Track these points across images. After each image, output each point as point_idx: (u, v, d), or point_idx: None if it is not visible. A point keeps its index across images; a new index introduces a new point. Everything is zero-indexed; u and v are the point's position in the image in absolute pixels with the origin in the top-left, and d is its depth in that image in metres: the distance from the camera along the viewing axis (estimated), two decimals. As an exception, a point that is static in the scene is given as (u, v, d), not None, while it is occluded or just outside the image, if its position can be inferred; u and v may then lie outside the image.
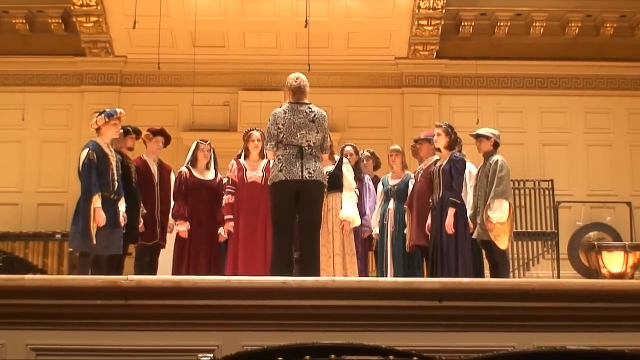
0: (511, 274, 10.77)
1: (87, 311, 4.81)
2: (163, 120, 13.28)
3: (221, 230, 9.52)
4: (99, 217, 8.25)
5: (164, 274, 9.37)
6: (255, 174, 9.41)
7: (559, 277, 12.70)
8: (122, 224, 8.65)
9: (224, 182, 9.75)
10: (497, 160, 8.94)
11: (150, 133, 9.88)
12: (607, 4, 14.64)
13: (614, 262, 11.69)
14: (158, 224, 9.62)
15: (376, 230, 10.09)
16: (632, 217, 13.91)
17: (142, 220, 9.33)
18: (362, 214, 9.75)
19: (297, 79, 8.14)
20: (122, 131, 8.99)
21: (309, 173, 7.79)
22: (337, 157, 9.56)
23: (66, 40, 14.90)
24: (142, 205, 9.38)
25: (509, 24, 14.78)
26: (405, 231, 9.71)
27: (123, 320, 4.80)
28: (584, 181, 14.81)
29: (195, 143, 10.02)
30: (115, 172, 8.60)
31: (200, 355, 2.88)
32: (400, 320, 4.88)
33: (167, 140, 10.04)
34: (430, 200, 9.27)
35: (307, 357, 2.57)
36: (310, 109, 8.01)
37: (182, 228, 9.50)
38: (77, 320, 4.80)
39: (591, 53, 15.01)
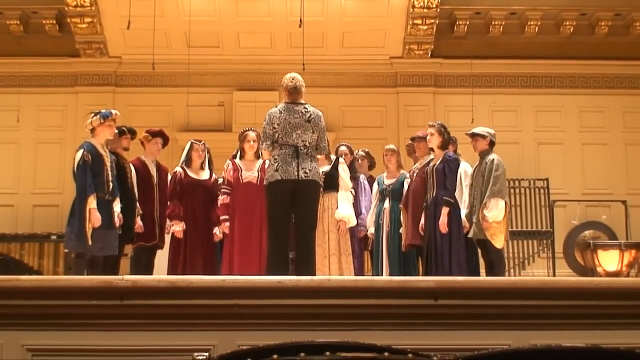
0: (506, 273, 10.77)
1: (83, 311, 4.81)
2: (158, 120, 13.31)
3: (216, 230, 9.54)
4: (94, 218, 8.24)
5: (160, 274, 9.36)
6: (250, 174, 9.42)
7: (554, 275, 12.71)
8: (117, 225, 8.64)
9: (218, 182, 9.75)
10: (493, 159, 8.94)
11: (149, 134, 9.85)
12: (601, 2, 14.67)
13: (609, 260, 11.68)
14: (157, 224, 9.61)
15: (371, 230, 10.09)
16: (627, 215, 13.92)
17: (138, 221, 9.32)
18: (358, 213, 9.77)
19: (292, 79, 8.14)
20: (116, 131, 8.99)
21: (305, 172, 7.78)
22: (333, 157, 9.57)
23: (60, 41, 14.90)
24: (138, 205, 9.37)
25: (503, 23, 14.80)
26: (401, 230, 9.72)
27: (118, 320, 4.80)
28: (579, 180, 14.84)
29: (189, 143, 10.02)
30: (110, 173, 8.59)
31: (195, 354, 2.88)
32: (396, 318, 4.89)
33: (166, 141, 10.02)
34: (424, 200, 9.28)
35: (302, 354, 2.57)
36: (306, 108, 8.01)
37: (178, 228, 9.50)
38: (73, 320, 4.80)
39: (586, 51, 15.04)
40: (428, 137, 9.32)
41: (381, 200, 10.15)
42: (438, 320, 4.90)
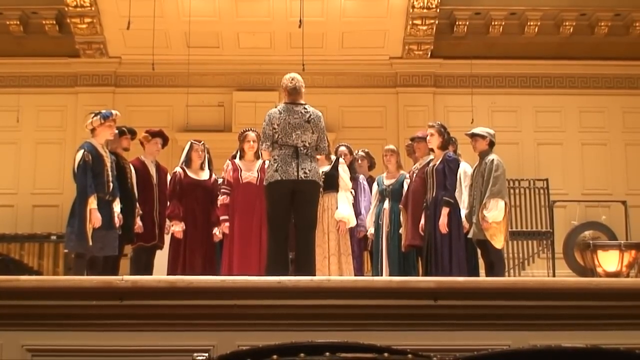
0: (506, 273, 10.77)
1: (83, 311, 4.82)
2: (157, 120, 13.30)
3: (216, 230, 9.54)
4: (94, 218, 8.24)
5: (159, 274, 9.35)
6: (250, 175, 9.41)
7: (554, 276, 12.70)
8: (117, 225, 8.63)
9: (218, 183, 9.75)
10: (493, 160, 8.94)
11: (149, 134, 9.85)
12: (601, 2, 14.67)
13: (609, 260, 11.69)
14: (156, 225, 9.60)
15: (371, 230, 10.09)
16: (627, 215, 13.92)
17: (138, 221, 9.31)
18: (357, 213, 9.76)
19: (292, 79, 8.13)
20: (116, 132, 8.98)
21: (305, 173, 7.78)
22: (333, 157, 9.58)
23: (60, 42, 14.90)
24: (138, 205, 9.36)
25: (503, 23, 14.80)
26: (401, 231, 9.72)
27: (118, 321, 4.81)
28: (578, 180, 14.84)
29: (189, 143, 10.02)
30: (110, 173, 8.59)
31: (195, 354, 2.88)
32: (396, 319, 4.89)
33: (165, 141, 10.01)
34: (424, 200, 9.28)
35: (302, 355, 2.57)
36: (306, 109, 8.00)
37: (177, 228, 9.49)
38: (73, 320, 4.80)
39: (585, 52, 15.04)
40: (428, 137, 9.32)
41: (381, 201, 10.15)
42: (438, 321, 4.90)
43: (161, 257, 9.74)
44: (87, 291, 4.86)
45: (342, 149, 10.32)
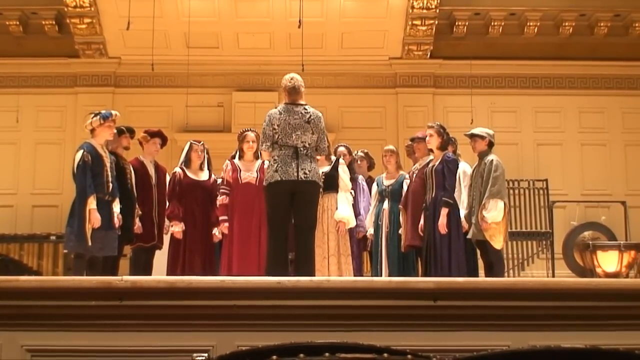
0: (506, 274, 10.76)
1: (82, 312, 4.81)
2: (157, 121, 13.29)
3: (215, 231, 9.53)
4: (93, 219, 8.24)
5: (159, 274, 9.35)
6: (249, 175, 9.41)
7: (553, 276, 12.70)
8: (117, 225, 8.63)
9: (217, 183, 9.75)
10: (492, 160, 8.93)
11: (147, 134, 9.84)
12: (600, 3, 14.67)
13: (608, 261, 11.68)
14: (155, 225, 9.59)
15: (370, 231, 10.08)
16: (626, 216, 13.91)
17: (137, 221, 9.31)
18: (356, 214, 9.75)
19: (291, 79, 8.13)
20: (115, 131, 8.97)
21: (304, 173, 7.77)
22: (333, 158, 9.57)
23: (60, 42, 14.90)
24: (137, 206, 9.36)
25: (502, 24, 14.80)
26: (400, 231, 9.72)
27: (118, 321, 4.80)
28: (578, 180, 14.84)
29: (189, 143, 10.02)
30: (109, 174, 8.59)
31: (194, 355, 2.88)
32: (395, 319, 4.88)
33: (164, 141, 10.01)
34: (424, 201, 9.28)
35: (301, 355, 2.57)
36: (306, 109, 8.00)
37: (177, 229, 9.49)
38: (72, 321, 4.80)
39: (585, 52, 15.04)
40: (427, 138, 9.33)
41: (380, 201, 10.15)
42: (437, 321, 4.89)
43: (160, 258, 9.74)
44: (87, 291, 4.85)
45: (341, 149, 10.30)
